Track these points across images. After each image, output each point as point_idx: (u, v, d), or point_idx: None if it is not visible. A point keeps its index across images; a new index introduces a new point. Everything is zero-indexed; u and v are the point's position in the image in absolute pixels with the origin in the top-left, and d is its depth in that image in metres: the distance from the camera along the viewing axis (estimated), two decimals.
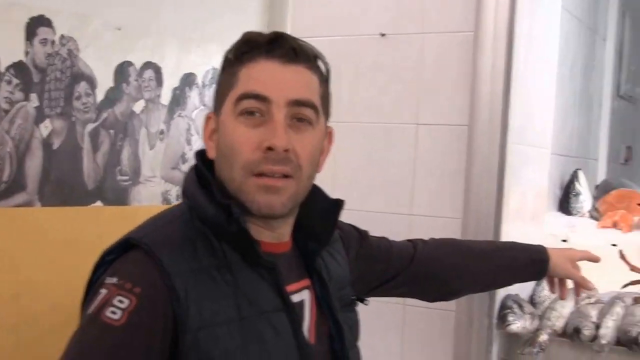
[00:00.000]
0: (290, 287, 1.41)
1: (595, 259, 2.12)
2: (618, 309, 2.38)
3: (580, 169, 3.39)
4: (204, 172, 1.38)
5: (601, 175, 4.17)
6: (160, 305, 1.25)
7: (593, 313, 2.36)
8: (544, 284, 2.55)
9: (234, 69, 1.36)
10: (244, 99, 1.33)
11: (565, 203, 3.35)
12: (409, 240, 1.89)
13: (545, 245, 2.66)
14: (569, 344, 2.24)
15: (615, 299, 2.49)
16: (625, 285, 2.63)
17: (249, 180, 1.33)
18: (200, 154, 1.44)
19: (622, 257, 2.55)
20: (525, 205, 2.52)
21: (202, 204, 1.35)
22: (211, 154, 1.39)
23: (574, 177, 3.36)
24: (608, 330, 2.24)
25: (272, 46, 1.35)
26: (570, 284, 2.07)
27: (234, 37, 1.41)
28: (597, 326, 2.26)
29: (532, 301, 2.51)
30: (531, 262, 1.97)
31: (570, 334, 2.23)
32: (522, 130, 2.34)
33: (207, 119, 1.40)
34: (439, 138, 2.34)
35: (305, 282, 1.47)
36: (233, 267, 1.33)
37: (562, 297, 2.08)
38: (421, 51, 2.35)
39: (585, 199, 3.34)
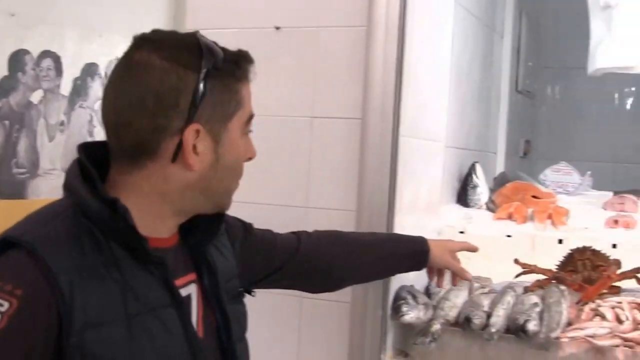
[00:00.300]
0: (177, 282, 1.42)
1: (472, 249, 2.29)
2: (509, 298, 2.45)
3: (477, 162, 3.47)
4: (88, 167, 1.35)
5: (500, 168, 4.26)
6: (43, 306, 1.22)
7: (485, 302, 2.42)
8: None
9: (236, 86, 1.42)
10: (251, 119, 1.47)
11: (463, 195, 3.42)
12: (293, 233, 1.95)
13: (444, 235, 2.76)
14: (460, 333, 2.29)
15: (507, 288, 2.56)
16: (518, 275, 2.71)
17: (236, 185, 1.50)
18: (84, 148, 1.41)
19: (517, 262, 2.65)
20: (420, 198, 2.57)
21: (86, 200, 1.32)
22: (197, 167, 1.37)
23: (471, 170, 3.44)
24: (498, 318, 2.30)
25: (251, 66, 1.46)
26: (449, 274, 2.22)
27: (138, 26, 1.41)
28: (489, 315, 2.33)
29: (428, 291, 2.56)
30: (412, 254, 2.10)
31: (462, 323, 2.29)
32: (414, 124, 2.38)
33: (195, 131, 1.35)
34: (333, 131, 2.37)
35: (192, 276, 1.48)
36: (121, 264, 1.31)
37: (438, 286, 2.24)
38: (315, 45, 2.37)
39: (482, 191, 3.41)
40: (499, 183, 3.51)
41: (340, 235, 2.05)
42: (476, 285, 2.62)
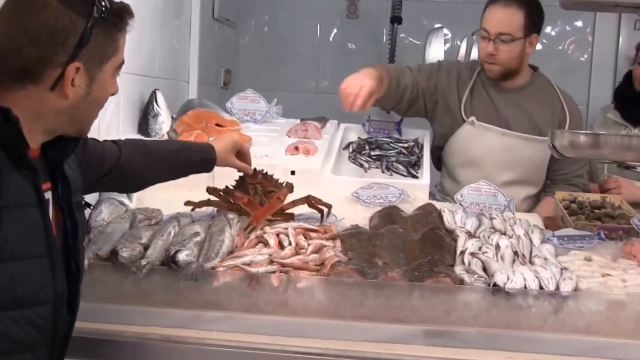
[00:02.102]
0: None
1: (243, 149, 2.58)
2: (170, 229, 2.34)
3: (158, 90, 3.30)
4: None
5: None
6: None
7: (146, 234, 2.29)
8: (102, 207, 2.47)
9: (116, 35, 1.64)
10: (122, 64, 1.71)
11: (144, 124, 3.26)
12: (113, 142, 2.21)
13: None
14: (112, 267, 2.13)
15: (172, 218, 2.44)
16: (188, 204, 2.64)
17: (97, 116, 1.76)
18: None
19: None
20: None
21: None
22: (71, 97, 1.60)
23: (152, 98, 3.27)
24: (155, 250, 2.18)
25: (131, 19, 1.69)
26: None
27: None
28: (147, 247, 2.20)
29: (88, 225, 2.39)
30: (202, 161, 2.41)
31: (109, 257, 2.14)
32: None
33: (76, 68, 1.58)
34: None
35: (48, 185, 1.69)
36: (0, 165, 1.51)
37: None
38: None
39: (164, 120, 3.27)
40: (182, 111, 3.37)
41: (144, 145, 2.38)
42: (140, 216, 2.48)
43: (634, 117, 3.57)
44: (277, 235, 2.38)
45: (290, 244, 2.33)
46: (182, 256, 2.09)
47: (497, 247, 2.34)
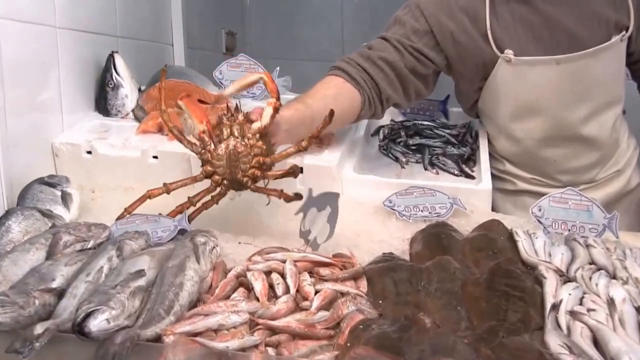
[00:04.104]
0: None
1: None
2: (102, 263, 1.51)
3: (117, 52, 2.44)
4: None
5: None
6: None
7: (63, 272, 1.48)
8: (10, 222, 1.74)
9: None
10: None
11: (102, 100, 2.42)
12: None
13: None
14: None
15: (111, 244, 1.61)
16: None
17: None
18: None
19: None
20: None
21: None
22: None
23: (110, 64, 2.42)
24: (72, 302, 1.37)
25: None
26: None
27: None
28: (62, 295, 1.38)
29: None
30: None
31: None
32: None
33: None
34: None
35: None
36: None
37: None
38: None
39: (127, 93, 2.43)
40: (153, 81, 2.50)
41: None
42: (67, 238, 1.65)
43: None
44: (268, 274, 1.54)
45: (287, 290, 1.49)
46: (96, 322, 1.25)
47: (611, 302, 1.48)
